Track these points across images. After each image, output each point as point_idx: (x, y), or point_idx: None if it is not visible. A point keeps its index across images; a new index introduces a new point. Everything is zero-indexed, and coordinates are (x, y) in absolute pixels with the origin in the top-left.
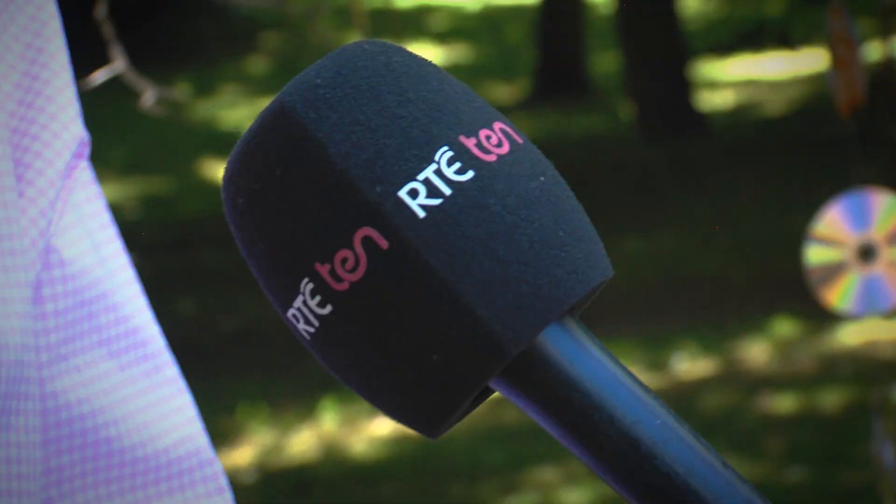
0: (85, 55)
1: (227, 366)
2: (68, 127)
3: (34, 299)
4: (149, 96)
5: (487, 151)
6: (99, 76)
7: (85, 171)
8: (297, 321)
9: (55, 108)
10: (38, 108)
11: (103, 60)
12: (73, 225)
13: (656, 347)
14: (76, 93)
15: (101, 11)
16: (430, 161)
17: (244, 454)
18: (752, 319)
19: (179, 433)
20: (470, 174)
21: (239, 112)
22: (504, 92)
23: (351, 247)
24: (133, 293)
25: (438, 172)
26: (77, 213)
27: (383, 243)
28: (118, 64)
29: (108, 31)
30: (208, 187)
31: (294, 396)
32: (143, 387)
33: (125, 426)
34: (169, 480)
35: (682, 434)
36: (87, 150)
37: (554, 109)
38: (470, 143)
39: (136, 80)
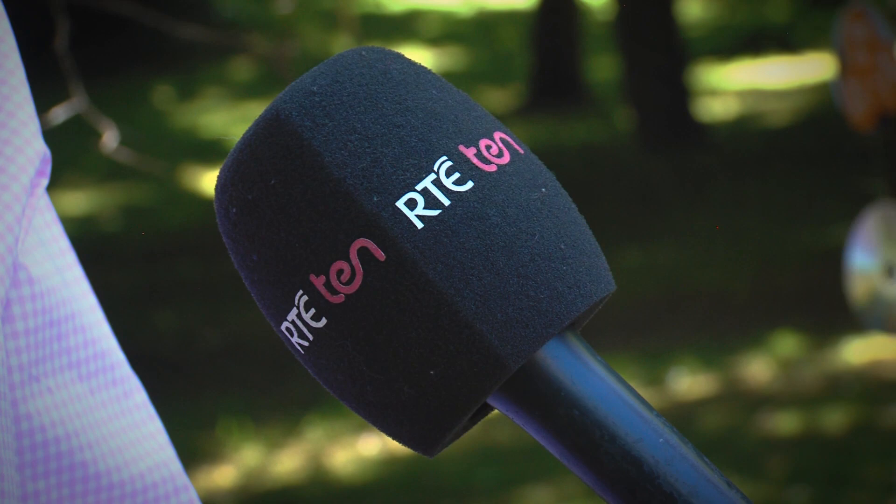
0: (44, 88)
1: (210, 381)
2: (30, 143)
3: (4, 317)
4: (109, 138)
5: (487, 161)
6: (58, 114)
7: (42, 197)
8: (291, 335)
9: (16, 124)
10: None
11: (63, 93)
12: (36, 247)
13: (654, 363)
14: (34, 108)
15: (61, 44)
16: (429, 171)
17: (226, 473)
18: (753, 335)
19: (152, 459)
20: (469, 185)
21: (222, 117)
22: (498, 98)
23: (347, 258)
24: (98, 318)
25: (437, 182)
26: (38, 236)
27: (380, 255)
28: (78, 101)
29: (67, 65)
30: (190, 196)
31: (278, 413)
32: (113, 411)
33: (99, 450)
34: None
35: (686, 453)
36: (48, 168)
37: (549, 117)
38: (469, 152)
39: (96, 118)
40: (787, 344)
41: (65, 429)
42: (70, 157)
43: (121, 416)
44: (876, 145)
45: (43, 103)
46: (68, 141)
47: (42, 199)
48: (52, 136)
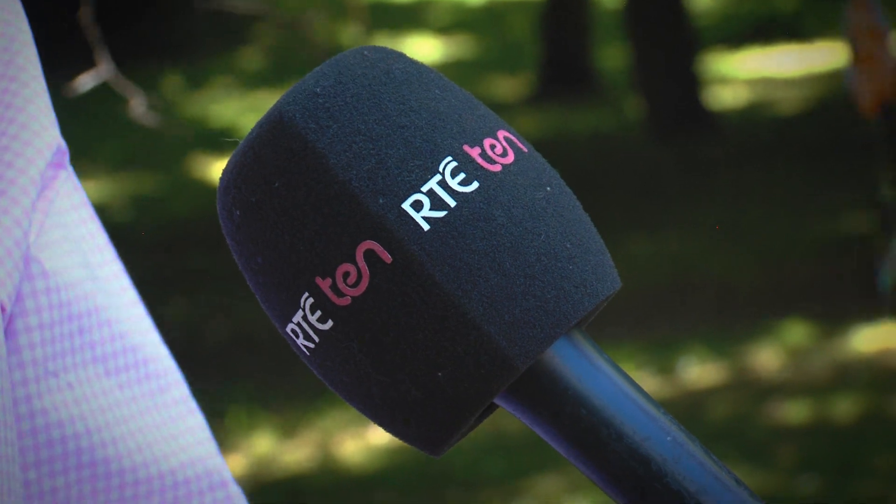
0: (70, 58)
1: (219, 371)
2: (40, 135)
3: (18, 312)
4: (137, 103)
5: (492, 161)
6: (84, 82)
7: (74, 193)
8: (297, 336)
9: (25, 118)
10: (7, 119)
11: (89, 62)
12: (59, 241)
13: (662, 352)
14: (50, 101)
15: (86, 14)
16: (434, 172)
17: (235, 462)
18: (762, 324)
19: (188, 454)
20: (475, 185)
21: (231, 106)
22: (507, 87)
23: (353, 261)
24: (136, 314)
25: (443, 183)
26: (64, 231)
27: (387, 257)
28: (104, 69)
29: (92, 34)
30: (199, 186)
31: (288, 402)
32: (146, 406)
33: (124, 446)
34: (176, 503)
35: (694, 451)
36: (65, 159)
37: (559, 105)
38: (474, 152)
39: (123, 85)
40: (796, 332)
41: (86, 424)
42: (79, 148)
43: (155, 411)
44: (881, 132)
45: (69, 74)
46: (91, 113)
47: (76, 195)
48: (75, 106)
